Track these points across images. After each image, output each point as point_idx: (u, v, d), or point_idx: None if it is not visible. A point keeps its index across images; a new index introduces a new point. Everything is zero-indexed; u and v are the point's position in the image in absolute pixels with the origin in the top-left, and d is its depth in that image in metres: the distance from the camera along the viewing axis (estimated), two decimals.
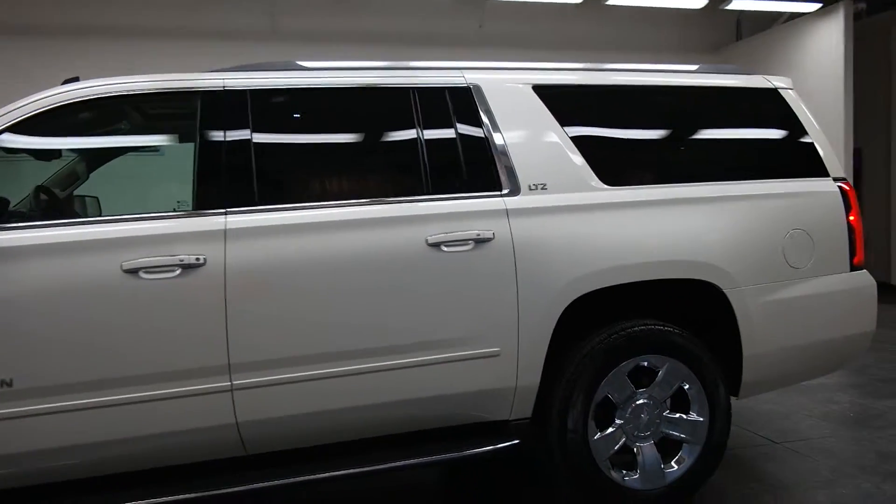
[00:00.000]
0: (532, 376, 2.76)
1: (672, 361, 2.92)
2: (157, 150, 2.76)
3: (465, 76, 2.92)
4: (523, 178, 2.82)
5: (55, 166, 2.76)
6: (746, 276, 2.97)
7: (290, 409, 2.53)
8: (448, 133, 2.83)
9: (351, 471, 2.61)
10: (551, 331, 2.75)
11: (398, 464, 2.66)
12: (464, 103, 2.86)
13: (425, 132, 2.80)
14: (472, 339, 2.68)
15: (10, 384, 2.28)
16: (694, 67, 3.31)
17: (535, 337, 2.74)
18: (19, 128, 2.46)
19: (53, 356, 2.32)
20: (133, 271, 2.37)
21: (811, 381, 4.99)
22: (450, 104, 2.85)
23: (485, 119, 2.85)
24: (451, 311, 2.66)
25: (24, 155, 2.61)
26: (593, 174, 2.91)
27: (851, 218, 3.21)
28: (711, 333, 3.09)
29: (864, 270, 3.24)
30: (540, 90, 2.96)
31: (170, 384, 2.40)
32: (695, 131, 3.25)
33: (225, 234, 2.47)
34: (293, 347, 2.51)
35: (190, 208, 2.53)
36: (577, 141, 2.93)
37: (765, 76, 3.33)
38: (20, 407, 2.29)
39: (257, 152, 2.62)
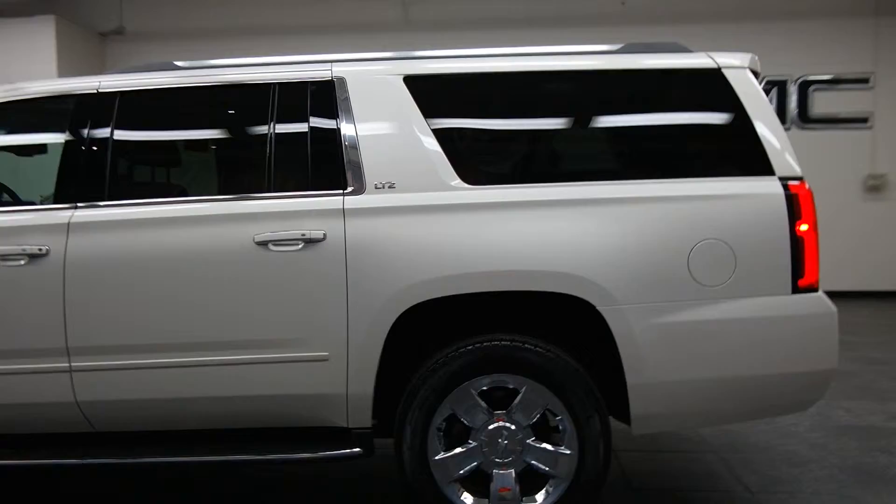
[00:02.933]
0: (364, 385, 2.62)
1: (531, 383, 2.59)
2: (46, 149, 3.04)
3: (333, 69, 2.82)
4: (370, 176, 2.66)
5: None
6: (630, 292, 2.53)
7: (123, 394, 2.68)
8: (301, 129, 2.77)
9: (179, 459, 2.71)
10: (383, 339, 2.58)
11: (229, 458, 2.69)
12: (324, 98, 2.76)
13: (278, 129, 2.76)
14: (301, 342, 2.62)
15: None
16: (616, 47, 2.86)
17: (366, 344, 2.59)
18: None
19: None
20: None
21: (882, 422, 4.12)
22: (309, 99, 2.77)
23: (342, 114, 2.74)
24: (278, 311, 2.62)
25: None
26: (453, 172, 2.65)
27: (804, 227, 2.57)
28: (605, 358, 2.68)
29: (819, 294, 2.59)
30: (411, 81, 2.76)
31: (16, 361, 2.67)
32: (592, 123, 2.82)
33: (68, 227, 2.68)
34: (123, 336, 2.65)
35: (50, 203, 2.78)
36: (441, 136, 2.70)
37: (711, 54, 2.77)
38: None
39: (114, 151, 2.79)
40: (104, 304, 2.65)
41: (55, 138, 2.92)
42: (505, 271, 2.56)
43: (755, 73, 2.82)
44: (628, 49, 2.84)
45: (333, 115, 2.74)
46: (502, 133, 2.88)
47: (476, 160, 2.73)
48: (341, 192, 2.66)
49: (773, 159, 2.62)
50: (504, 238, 2.57)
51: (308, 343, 2.62)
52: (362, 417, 2.68)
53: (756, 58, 2.83)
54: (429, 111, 2.72)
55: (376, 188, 2.66)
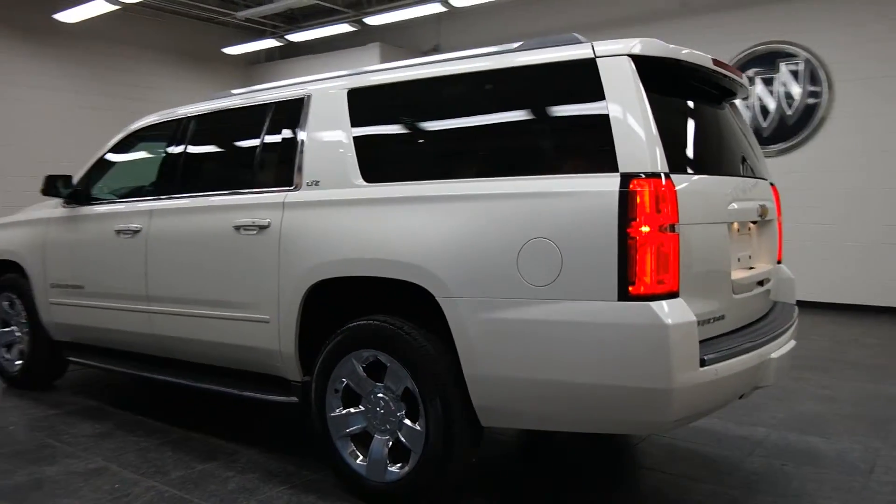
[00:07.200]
0: (289, 345, 3.21)
1: (394, 361, 2.87)
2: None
3: (308, 88, 3.44)
4: (305, 176, 3.24)
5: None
6: (463, 285, 2.65)
7: (166, 330, 3.77)
8: (278, 139, 3.46)
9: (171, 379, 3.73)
10: (297, 309, 3.14)
11: (201, 385, 3.62)
12: (295, 112, 3.41)
13: (266, 139, 3.51)
14: (255, 306, 3.34)
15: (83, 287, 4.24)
16: (514, 45, 2.87)
17: (288, 312, 3.19)
18: (116, 147, 4.38)
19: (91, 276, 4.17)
20: (117, 232, 3.99)
21: None
22: (288, 114, 3.45)
23: (302, 125, 3.35)
24: (244, 281, 3.38)
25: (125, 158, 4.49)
26: (358, 171, 3.07)
27: (644, 229, 2.35)
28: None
29: (649, 304, 2.33)
30: (350, 94, 3.24)
31: (124, 301, 3.96)
32: (463, 123, 2.89)
33: (151, 213, 3.86)
34: (166, 289, 3.73)
35: (148, 196, 4.00)
36: (358, 140, 3.12)
37: (600, 42, 2.62)
38: (89, 300, 4.21)
39: (186, 159, 3.88)
40: (162, 266, 3.77)
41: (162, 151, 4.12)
42: (363, 259, 2.90)
43: (661, 60, 2.59)
44: (525, 46, 2.84)
45: (297, 126, 3.37)
46: (393, 135, 3.16)
47: (375, 161, 3.07)
48: (287, 188, 3.30)
49: (620, 154, 2.42)
50: (373, 229, 2.91)
51: (258, 307, 3.33)
52: (293, 372, 3.28)
53: (655, 42, 2.58)
54: (354, 119, 3.18)
55: (307, 185, 3.22)
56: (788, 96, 8.80)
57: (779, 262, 3.57)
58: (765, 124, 8.96)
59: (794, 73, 8.75)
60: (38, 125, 10.16)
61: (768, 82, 8.95)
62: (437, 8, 8.97)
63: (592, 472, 3.46)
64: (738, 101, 3.49)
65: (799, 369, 5.32)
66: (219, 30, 12.13)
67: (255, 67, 12.83)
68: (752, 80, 9.01)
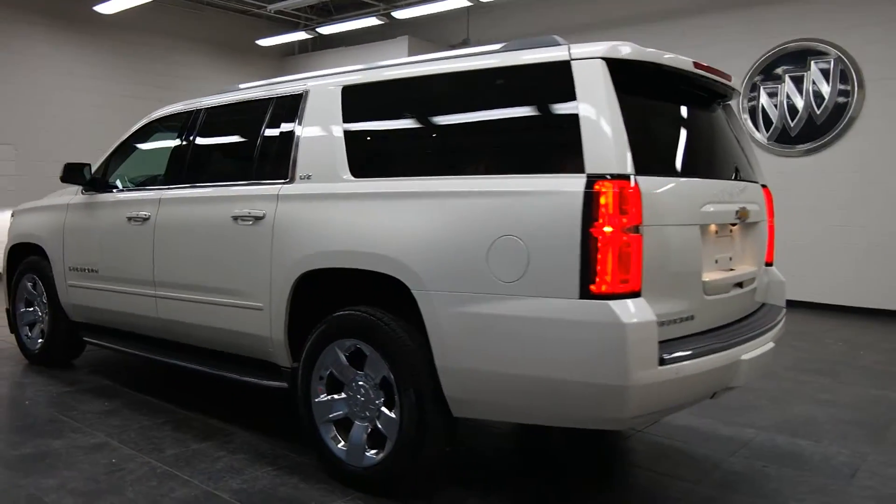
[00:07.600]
0: (279, 332, 3.34)
1: (373, 351, 2.97)
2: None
3: (307, 84, 3.55)
4: (299, 169, 3.35)
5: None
6: (437, 279, 2.73)
7: (170, 315, 3.93)
8: (276, 133, 3.58)
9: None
10: (287, 297, 3.26)
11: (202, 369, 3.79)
12: (294, 107, 3.52)
13: (266, 133, 3.63)
14: (250, 294, 3.47)
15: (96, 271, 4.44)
16: (497, 46, 2.93)
17: (279, 301, 3.31)
18: (133, 136, 4.56)
19: (104, 261, 4.36)
20: (129, 219, 4.17)
21: None
22: (288, 109, 3.56)
23: (298, 120, 3.46)
24: (240, 269, 3.52)
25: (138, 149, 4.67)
26: (347, 166, 3.17)
27: (607, 230, 2.40)
28: None
29: (608, 303, 2.38)
30: (344, 91, 3.34)
31: (133, 286, 4.14)
32: (441, 122, 2.97)
33: (159, 201, 4.02)
34: (168, 275, 3.90)
35: (160, 184, 4.17)
36: (348, 136, 3.23)
37: (576, 45, 2.67)
38: (103, 284, 4.41)
39: (193, 150, 4.03)
40: (166, 253, 3.93)
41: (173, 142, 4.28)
42: (345, 251, 3.01)
43: (639, 64, 2.63)
44: (507, 48, 2.89)
45: (294, 121, 3.49)
46: (377, 132, 3.26)
47: (361, 156, 3.17)
48: (282, 181, 3.41)
49: (587, 155, 2.47)
50: (355, 222, 3.01)
51: (253, 295, 3.46)
52: (283, 359, 3.40)
53: (632, 46, 2.62)
54: (346, 116, 3.28)
55: (300, 179, 3.34)
56: (818, 95, 8.64)
57: (769, 264, 3.57)
58: (792, 123, 8.82)
59: (825, 72, 8.59)
60: (73, 113, 10.52)
61: (798, 81, 8.80)
62: (465, 1, 9.01)
63: (576, 467, 3.52)
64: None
65: (803, 372, 5.28)
66: (252, 21, 12.37)
67: (287, 59, 13.06)
68: (781, 78, 8.88)
